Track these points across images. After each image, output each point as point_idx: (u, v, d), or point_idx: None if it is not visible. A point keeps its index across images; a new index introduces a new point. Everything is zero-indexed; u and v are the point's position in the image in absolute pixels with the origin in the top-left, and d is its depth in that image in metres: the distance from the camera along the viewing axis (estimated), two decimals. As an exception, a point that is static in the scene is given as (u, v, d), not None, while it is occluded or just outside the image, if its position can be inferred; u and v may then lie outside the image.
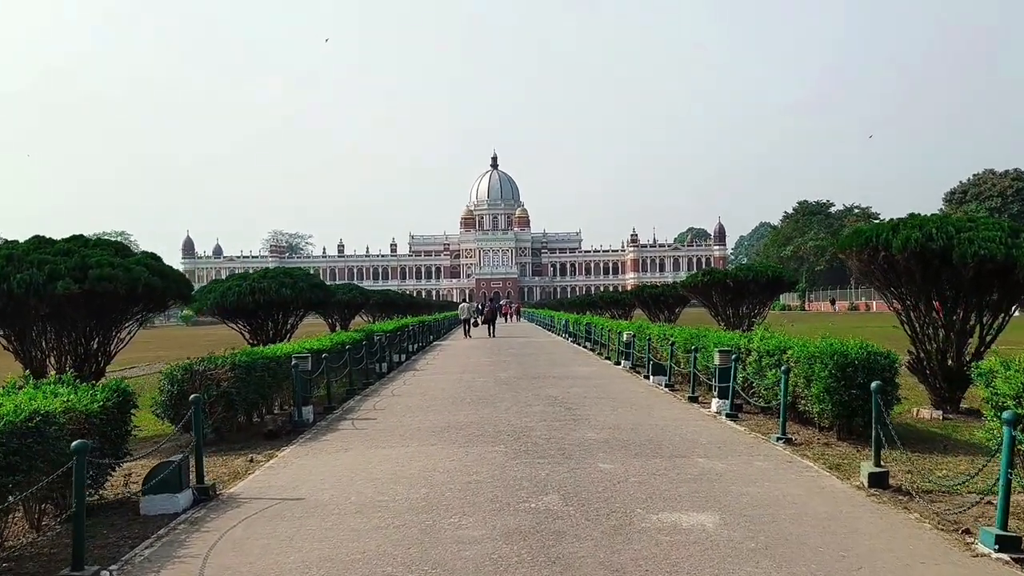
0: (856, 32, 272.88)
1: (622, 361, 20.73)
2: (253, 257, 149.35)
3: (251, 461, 8.97)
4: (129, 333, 11.93)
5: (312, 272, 22.37)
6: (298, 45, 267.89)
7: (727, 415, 11.43)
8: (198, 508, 6.88)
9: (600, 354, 24.73)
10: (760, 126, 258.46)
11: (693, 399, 13.39)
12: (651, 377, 16.53)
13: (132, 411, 7.42)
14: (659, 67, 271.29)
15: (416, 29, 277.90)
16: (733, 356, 11.59)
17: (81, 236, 11.22)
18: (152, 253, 11.53)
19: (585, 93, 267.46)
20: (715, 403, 12.09)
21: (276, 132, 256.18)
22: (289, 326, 21.35)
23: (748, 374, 11.54)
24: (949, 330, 11.54)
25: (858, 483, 7.24)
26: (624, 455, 8.62)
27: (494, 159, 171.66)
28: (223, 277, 21.78)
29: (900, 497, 6.83)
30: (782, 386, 9.51)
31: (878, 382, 7.26)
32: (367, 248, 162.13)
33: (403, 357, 24.60)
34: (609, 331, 23.86)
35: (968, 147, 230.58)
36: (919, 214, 12.14)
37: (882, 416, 7.12)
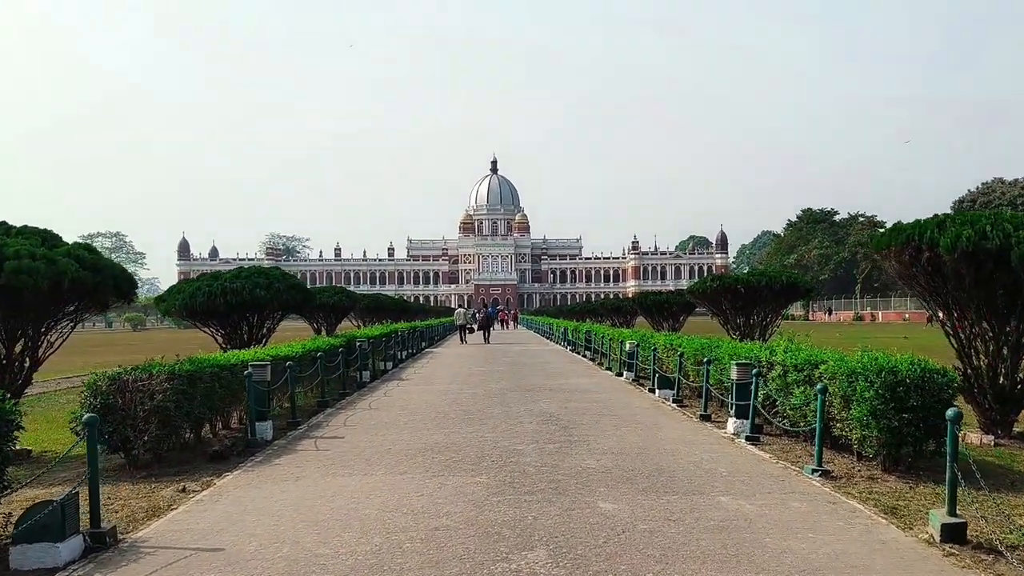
0: (859, 40, 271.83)
1: (624, 372, 19.23)
2: (249, 259, 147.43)
3: (183, 491, 7.47)
4: (60, 336, 10.42)
5: (291, 274, 20.84)
6: (299, 50, 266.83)
7: (747, 438, 9.93)
8: (85, 561, 5.38)
9: (600, 364, 23.23)
10: (762, 134, 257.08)
11: (705, 417, 11.90)
12: (657, 391, 15.03)
13: (15, 432, 5.91)
14: (659, 74, 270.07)
15: (416, 33, 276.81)
16: (753, 370, 10.08)
17: (3, 223, 9.73)
18: (87, 244, 10.02)
19: (586, 98, 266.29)
20: (731, 423, 10.59)
21: (274, 135, 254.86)
22: (265, 330, 19.95)
23: (770, 391, 10.05)
24: (1002, 343, 10.06)
25: (926, 535, 5.73)
26: (629, 490, 7.11)
27: (494, 163, 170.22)
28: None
29: (983, 556, 5.33)
30: (818, 407, 8.00)
31: (955, 409, 5.75)
32: (364, 252, 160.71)
33: (389, 365, 23.10)
34: (610, 340, 22.37)
35: (973, 156, 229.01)
36: (966, 212, 10.68)
37: (957, 451, 5.63)
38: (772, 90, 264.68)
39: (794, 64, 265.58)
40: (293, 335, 26.08)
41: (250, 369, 10.33)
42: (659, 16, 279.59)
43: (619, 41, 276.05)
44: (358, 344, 18.92)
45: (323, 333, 30.83)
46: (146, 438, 8.38)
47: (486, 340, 38.84)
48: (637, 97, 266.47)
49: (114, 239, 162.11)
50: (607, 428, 10.93)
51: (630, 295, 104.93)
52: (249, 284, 18.50)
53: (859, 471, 8.03)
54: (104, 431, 8.22)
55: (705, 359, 12.21)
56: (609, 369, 21.52)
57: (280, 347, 14.31)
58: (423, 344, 35.07)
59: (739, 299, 19.67)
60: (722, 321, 20.47)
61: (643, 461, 8.49)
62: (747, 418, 10.34)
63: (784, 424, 9.83)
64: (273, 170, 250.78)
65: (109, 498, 7.15)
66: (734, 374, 10.51)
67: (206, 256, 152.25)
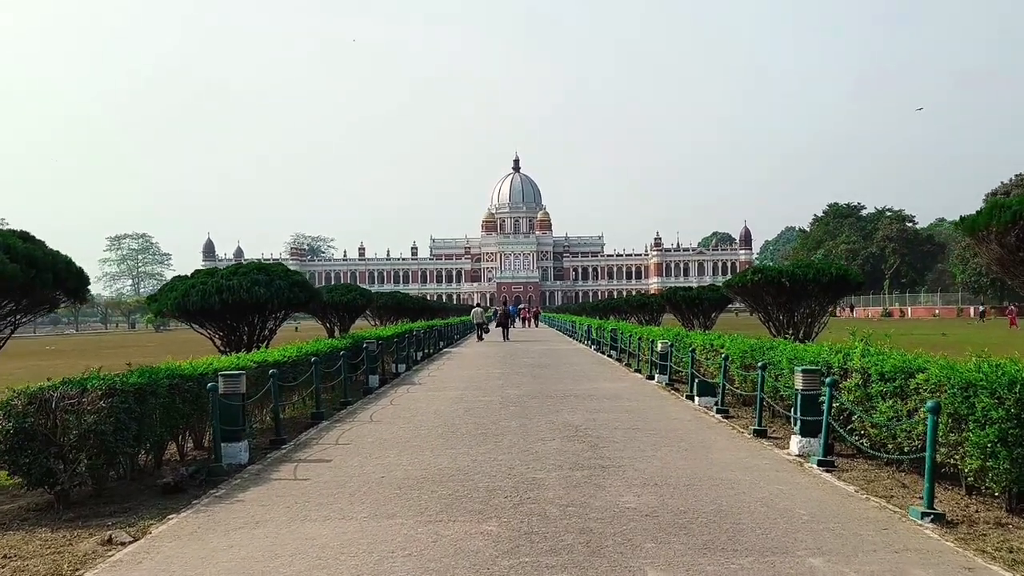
0: (883, 35, 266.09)
1: (656, 375, 17.45)
2: (274, 259, 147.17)
3: (108, 543, 5.82)
4: (-1, 341, 8.83)
5: (303, 273, 19.23)
6: (321, 48, 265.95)
7: (818, 462, 8.11)
8: None
9: (629, 365, 21.43)
10: (785, 129, 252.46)
11: (760, 433, 10.08)
12: (696, 398, 13.22)
13: None
14: (682, 70, 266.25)
15: (438, 32, 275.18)
16: (827, 379, 8.26)
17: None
18: (23, 232, 8.41)
19: (608, 95, 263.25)
20: (796, 442, 8.79)
21: (300, 137, 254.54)
22: (267, 331, 18.43)
23: (845, 403, 8.25)
24: None
25: None
26: (686, 546, 5.35)
27: (516, 162, 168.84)
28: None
29: None
30: (929, 432, 6.17)
31: None
32: (388, 251, 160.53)
33: (402, 367, 21.45)
34: (639, 339, 20.56)
35: (998, 150, 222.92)
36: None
37: None
38: (791, 88, 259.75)
39: (815, 59, 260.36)
40: (307, 336, 24.62)
41: (220, 380, 8.67)
42: (680, 15, 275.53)
43: (642, 37, 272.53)
44: (365, 346, 17.28)
45: (336, 333, 29.32)
46: (77, 469, 6.77)
47: (505, 338, 38.64)
48: (659, 93, 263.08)
49: (140, 240, 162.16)
50: (645, 447, 9.16)
51: (653, 292, 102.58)
52: (247, 281, 16.98)
53: (979, 513, 6.21)
54: (20, 462, 6.64)
55: (759, 364, 10.38)
56: (639, 371, 19.73)
57: (271, 351, 12.70)
58: (441, 344, 33.47)
59: (783, 294, 17.76)
60: (763, 318, 18.56)
61: (696, 497, 6.72)
62: (815, 437, 8.57)
63: (862, 444, 8.03)
64: (299, 171, 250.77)
65: (5, 556, 5.51)
66: (799, 383, 8.70)
67: (231, 256, 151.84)
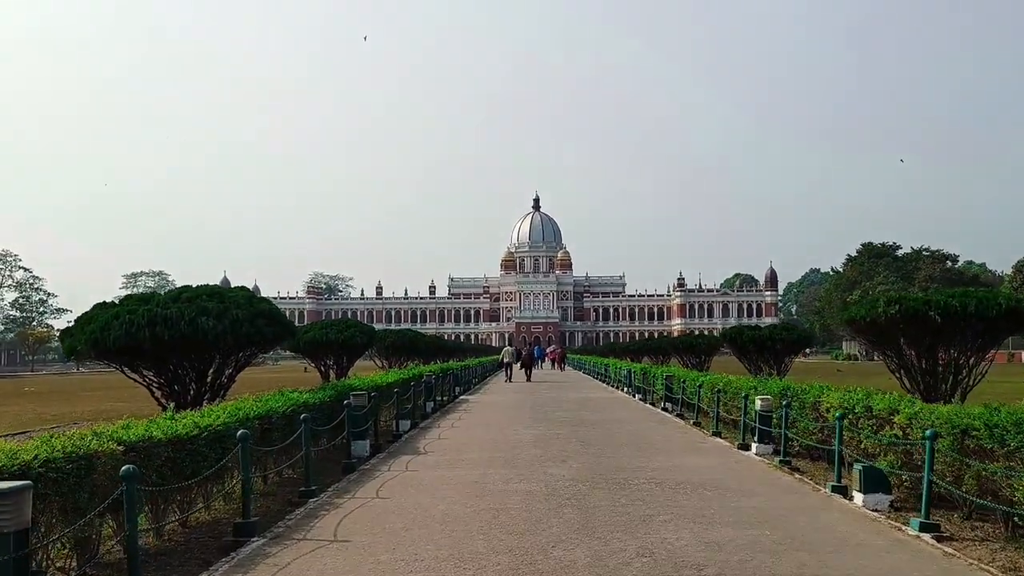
0: (903, 73, 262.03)
1: (753, 444, 12.55)
2: (291, 299, 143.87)
3: None
4: None
5: (255, 298, 14.58)
6: (342, 83, 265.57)
7: None
8: None
9: (699, 425, 16.45)
10: (808, 169, 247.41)
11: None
12: (860, 495, 8.25)
13: None
14: (703, 109, 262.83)
15: (459, 68, 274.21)
16: None
17: None
18: None
19: (630, 134, 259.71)
20: None
21: (319, 176, 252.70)
22: (226, 377, 13.83)
23: None
24: None
25: None
26: None
27: (536, 200, 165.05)
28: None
29: None
30: None
31: None
32: (405, 290, 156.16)
33: (406, 424, 16.54)
34: (717, 392, 15.57)
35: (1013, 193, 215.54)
36: None
37: None
38: (815, 127, 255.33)
39: (839, 99, 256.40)
40: (315, 379, 20.04)
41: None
42: (699, 53, 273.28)
43: (663, 74, 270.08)
44: (349, 400, 12.44)
45: (332, 377, 24.60)
46: None
47: (528, 378, 38.29)
48: (681, 132, 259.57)
49: (157, 278, 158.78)
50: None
51: (676, 333, 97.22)
52: (191, 311, 12.42)
53: None
54: None
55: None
56: (719, 435, 14.77)
57: (183, 418, 7.91)
58: (457, 390, 28.60)
59: (926, 332, 12.85)
60: (893, 364, 13.61)
61: None
62: None
63: None
64: (318, 210, 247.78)
65: None
66: None
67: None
